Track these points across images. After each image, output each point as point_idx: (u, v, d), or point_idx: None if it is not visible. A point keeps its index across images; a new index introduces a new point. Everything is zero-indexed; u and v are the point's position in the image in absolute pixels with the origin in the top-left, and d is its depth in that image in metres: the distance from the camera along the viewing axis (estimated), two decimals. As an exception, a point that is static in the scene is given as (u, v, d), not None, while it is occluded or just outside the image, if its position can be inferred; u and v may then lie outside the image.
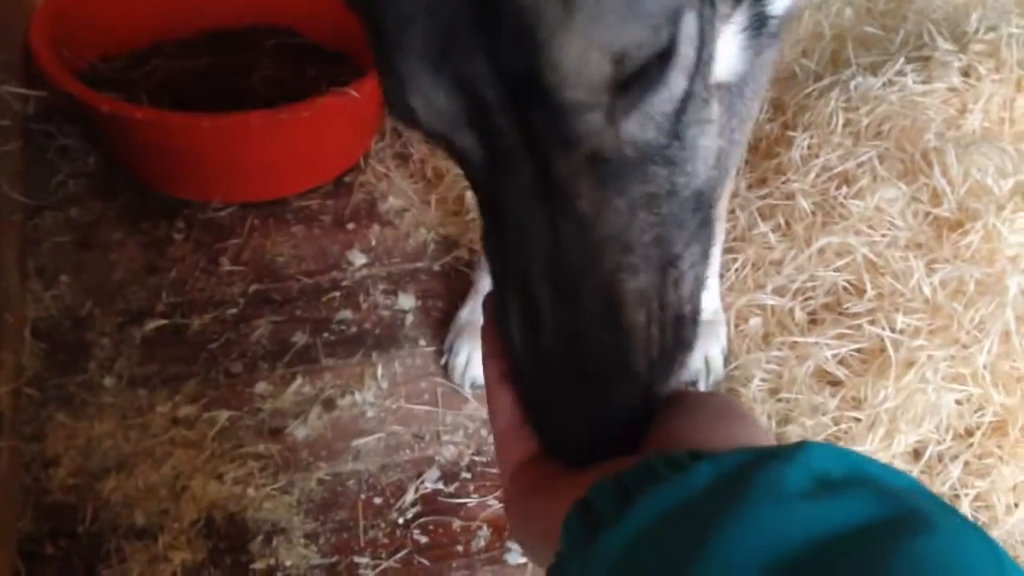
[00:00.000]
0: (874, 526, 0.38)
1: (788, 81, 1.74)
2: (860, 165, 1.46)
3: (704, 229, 0.64)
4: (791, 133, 1.57)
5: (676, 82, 0.56)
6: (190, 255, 1.54)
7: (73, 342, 1.41)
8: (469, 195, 1.65)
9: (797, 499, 0.40)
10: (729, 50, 0.70)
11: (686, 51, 0.56)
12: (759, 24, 0.76)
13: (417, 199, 1.65)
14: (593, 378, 0.58)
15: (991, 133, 1.52)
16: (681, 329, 0.61)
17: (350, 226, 1.61)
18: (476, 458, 1.29)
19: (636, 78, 0.53)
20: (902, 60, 1.64)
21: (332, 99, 1.51)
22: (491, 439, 1.29)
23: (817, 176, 1.48)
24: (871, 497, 0.40)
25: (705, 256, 0.64)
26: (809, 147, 1.53)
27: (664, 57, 0.54)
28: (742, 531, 0.39)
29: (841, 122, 1.55)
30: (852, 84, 1.62)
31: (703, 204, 0.63)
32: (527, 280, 0.58)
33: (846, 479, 0.41)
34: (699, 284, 0.64)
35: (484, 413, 1.33)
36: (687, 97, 0.58)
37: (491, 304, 0.65)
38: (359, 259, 1.55)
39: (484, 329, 0.66)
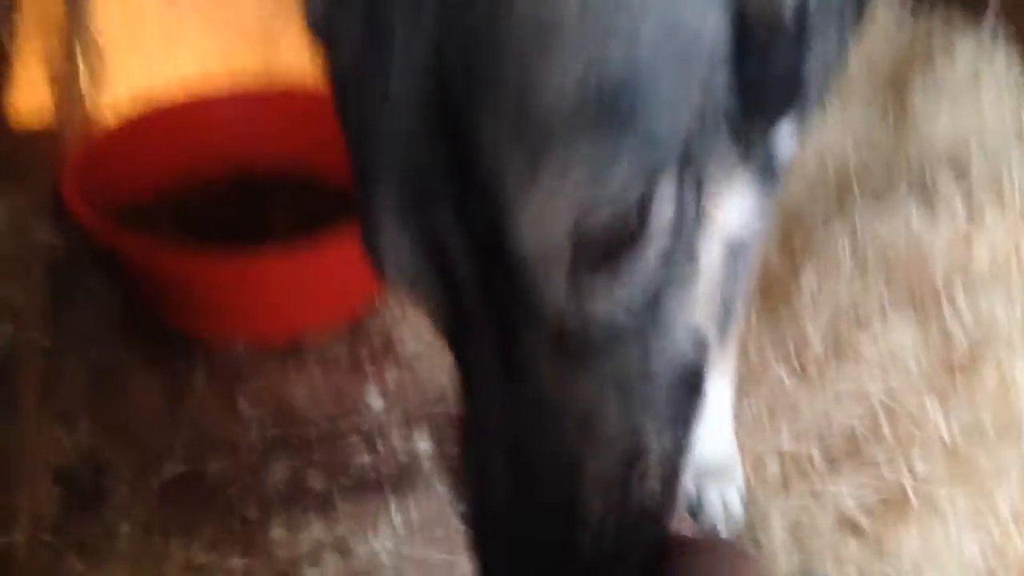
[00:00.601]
0: None
1: (794, 218, 1.77)
2: (870, 302, 1.48)
3: (684, 411, 0.62)
4: (798, 270, 1.59)
5: (648, 262, 0.55)
6: (209, 398, 1.56)
7: (91, 488, 1.41)
8: (485, 335, 1.66)
9: None
10: (744, 205, 0.68)
11: (659, 232, 0.55)
12: (771, 174, 0.73)
13: (434, 342, 1.67)
14: (536, 559, 0.58)
15: (998, 269, 1.54)
16: (644, 523, 0.60)
17: (368, 368, 1.63)
18: (494, 608, 1.27)
19: (602, 256, 0.53)
20: (906, 195, 1.68)
21: (352, 239, 1.54)
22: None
23: (827, 313, 1.49)
24: None
25: (684, 443, 0.62)
26: (817, 281, 1.55)
27: (634, 234, 0.53)
28: None
29: (849, 259, 1.57)
30: (857, 221, 1.65)
31: (685, 383, 0.61)
32: (484, 445, 0.58)
33: None
34: (673, 476, 0.61)
35: (501, 560, 1.32)
36: (663, 277, 0.57)
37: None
38: (376, 402, 1.56)
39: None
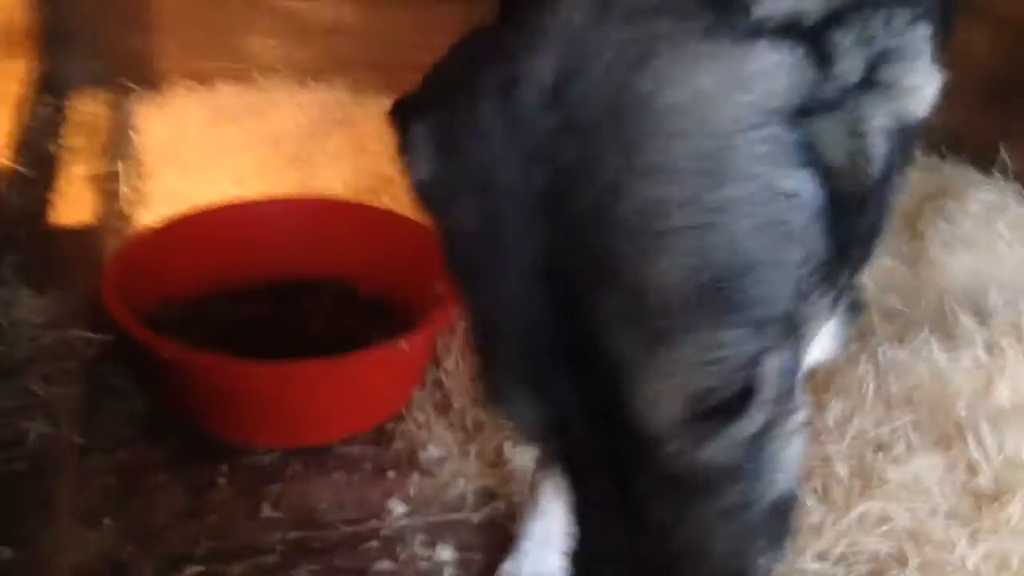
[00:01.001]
0: None
1: (817, 348, 1.81)
2: (894, 431, 1.50)
3: (778, 538, 0.66)
4: (823, 398, 1.61)
5: (756, 414, 0.60)
6: (231, 500, 1.56)
7: (112, 588, 1.40)
8: (508, 446, 1.68)
9: None
10: (830, 347, 0.75)
11: (767, 388, 0.60)
12: (850, 315, 0.79)
13: (457, 449, 1.68)
14: None
15: (1021, 404, 1.56)
16: None
17: (390, 474, 1.63)
18: None
19: (713, 414, 0.58)
20: (927, 331, 1.71)
21: (385, 351, 1.58)
22: None
23: (852, 441, 1.51)
24: None
25: (779, 561, 0.66)
26: (842, 412, 1.57)
27: (743, 396, 0.58)
28: None
29: (872, 389, 1.60)
30: (879, 352, 1.68)
31: (781, 511, 0.65)
32: None
33: None
34: None
35: (523, 676, 1.31)
36: (769, 423, 0.61)
37: None
38: (399, 508, 1.56)
39: None
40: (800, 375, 0.67)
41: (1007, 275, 2.02)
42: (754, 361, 0.57)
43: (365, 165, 2.58)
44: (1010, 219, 2.20)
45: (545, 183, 0.56)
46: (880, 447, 1.48)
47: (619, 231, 0.55)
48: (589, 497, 0.62)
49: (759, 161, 0.57)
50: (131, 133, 2.61)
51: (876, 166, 0.62)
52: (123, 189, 2.36)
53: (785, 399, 0.62)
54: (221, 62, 2.93)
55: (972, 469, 1.42)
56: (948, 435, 1.47)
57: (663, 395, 0.55)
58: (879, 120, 0.61)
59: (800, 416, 0.66)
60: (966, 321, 1.73)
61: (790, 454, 0.65)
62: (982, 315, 1.77)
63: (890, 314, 1.85)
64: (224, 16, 2.91)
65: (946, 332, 1.72)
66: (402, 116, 0.69)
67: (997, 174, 2.31)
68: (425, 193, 0.67)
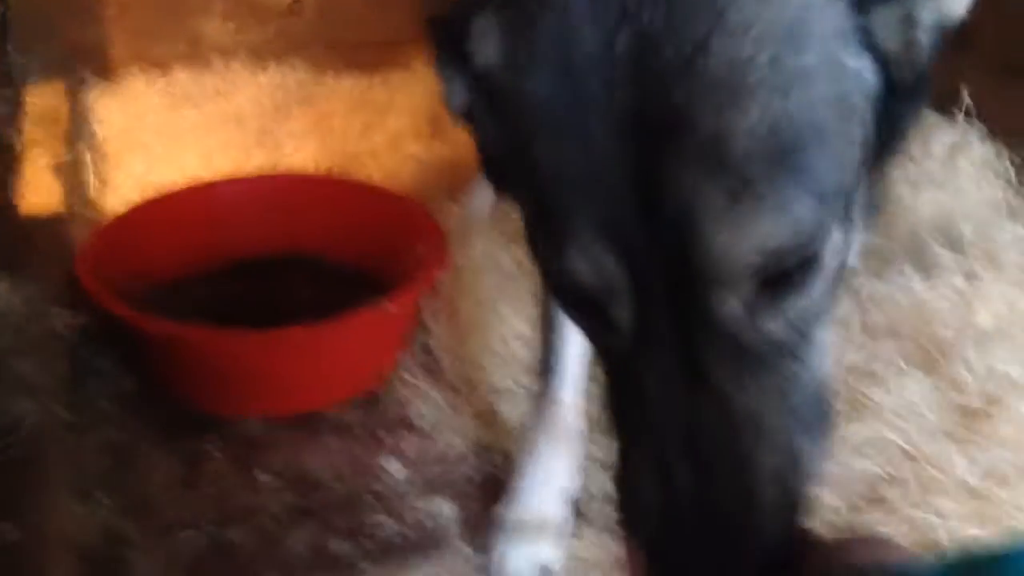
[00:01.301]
0: None
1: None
2: (881, 359, 1.52)
3: (824, 422, 0.67)
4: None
5: (817, 288, 0.62)
6: (226, 469, 1.55)
7: (110, 559, 1.39)
8: (500, 404, 1.68)
9: None
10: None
11: (830, 261, 0.61)
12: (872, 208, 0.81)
13: (448, 408, 1.68)
14: (724, 549, 0.62)
15: (1001, 326, 1.59)
16: (797, 512, 0.65)
17: (383, 436, 1.63)
18: (528, 664, 1.26)
19: (781, 280, 0.60)
20: (905, 265, 1.74)
21: (370, 314, 1.58)
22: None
23: (842, 373, 1.52)
24: None
25: (821, 453, 0.67)
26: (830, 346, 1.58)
27: (809, 264, 0.60)
28: None
29: (856, 323, 1.62)
30: (861, 288, 1.70)
31: (822, 399, 0.67)
32: (664, 452, 0.63)
33: None
34: (813, 476, 0.66)
35: (532, 617, 1.31)
36: (822, 302, 0.63)
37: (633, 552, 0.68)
38: (394, 467, 1.56)
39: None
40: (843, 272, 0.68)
41: (974, 209, 2.05)
42: (824, 232, 0.60)
43: (332, 143, 2.57)
44: (973, 157, 2.23)
45: (629, 45, 0.58)
46: (868, 375, 1.50)
47: (706, 85, 0.57)
48: (655, 362, 0.62)
49: (831, 37, 0.60)
50: (92, 122, 2.58)
51: (924, 57, 0.65)
52: (88, 177, 2.32)
53: (835, 282, 0.64)
54: (177, 47, 2.90)
55: (959, 388, 1.44)
56: (933, 358, 1.50)
57: (739, 246, 0.57)
58: (927, 15, 0.64)
59: (837, 308, 0.68)
60: (941, 252, 1.76)
61: (830, 341, 0.67)
62: (956, 246, 1.80)
63: (867, 251, 1.87)
64: (178, 1, 2.89)
65: (923, 264, 1.75)
66: (451, 21, 0.71)
67: (959, 116, 2.34)
68: (493, 75, 0.68)
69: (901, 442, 1.38)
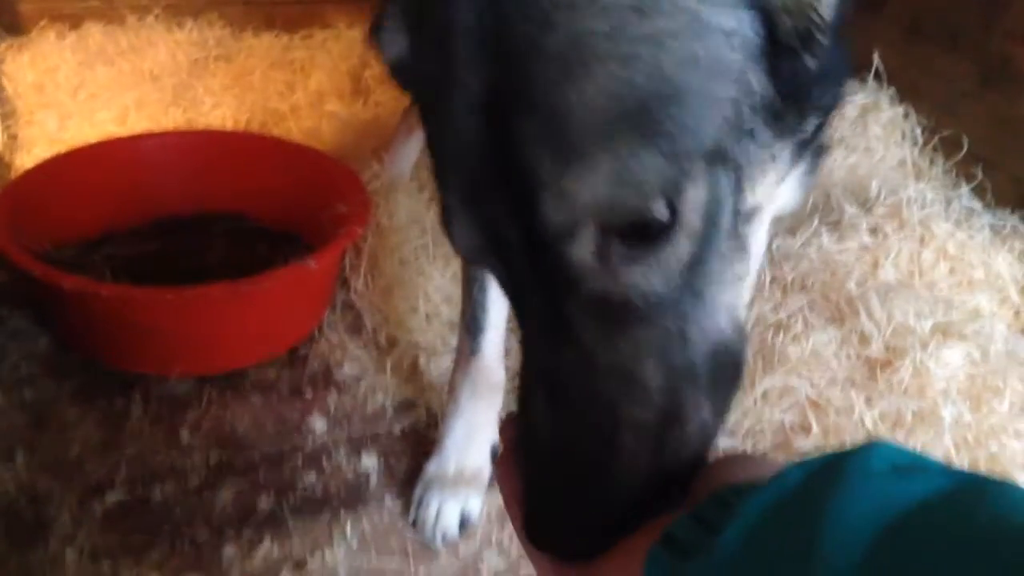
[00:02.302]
0: (960, 489, 0.45)
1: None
2: (791, 315, 1.57)
3: (725, 390, 0.67)
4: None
5: (681, 244, 0.61)
6: (148, 428, 1.54)
7: (31, 518, 1.38)
8: (423, 360, 1.70)
9: (886, 477, 0.46)
10: (785, 191, 0.75)
11: (690, 218, 0.61)
12: (816, 154, 0.79)
13: (372, 366, 1.70)
14: (574, 487, 0.63)
15: (903, 283, 1.66)
16: (672, 480, 0.64)
17: (308, 394, 1.64)
18: (452, 611, 1.29)
19: (632, 235, 0.60)
20: (816, 223, 1.80)
21: (292, 271, 1.57)
22: (466, 591, 1.30)
23: (754, 327, 1.58)
24: (943, 474, 0.47)
25: (718, 422, 0.67)
26: (742, 301, 1.64)
27: (662, 219, 0.60)
28: (851, 501, 0.45)
29: (768, 279, 1.67)
30: (774, 245, 1.75)
31: (726, 360, 0.66)
32: (533, 392, 0.65)
33: (913, 466, 0.48)
34: (704, 444, 0.66)
35: (456, 566, 1.34)
36: (700, 257, 0.62)
37: (508, 421, 0.71)
38: (319, 425, 1.57)
39: (502, 455, 0.72)
40: (754, 225, 0.68)
41: (884, 169, 2.13)
42: (674, 189, 0.59)
43: (252, 100, 2.54)
44: (883, 119, 2.31)
45: (490, 25, 0.60)
46: (779, 328, 1.56)
47: (547, 61, 0.58)
48: (528, 317, 0.65)
49: None
50: (2, 80, 2.50)
51: (822, 11, 0.64)
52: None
53: (717, 236, 0.63)
54: (89, 3, 2.82)
55: (865, 340, 1.50)
56: (841, 312, 1.56)
57: (577, 210, 0.58)
58: None
59: (745, 265, 0.67)
60: (851, 211, 1.82)
61: (730, 300, 0.66)
62: (865, 205, 1.86)
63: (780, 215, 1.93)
64: (90, -46, 2.81)
65: (833, 222, 1.81)
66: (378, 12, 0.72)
67: (871, 81, 2.41)
68: (402, 65, 0.72)
69: (810, 392, 1.43)
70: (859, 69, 2.48)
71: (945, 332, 1.50)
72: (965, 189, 2.07)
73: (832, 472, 0.48)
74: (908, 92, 2.36)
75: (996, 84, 2.12)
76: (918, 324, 1.50)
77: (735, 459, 0.64)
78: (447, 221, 0.66)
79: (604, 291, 0.61)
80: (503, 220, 0.62)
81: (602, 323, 0.62)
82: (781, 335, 1.54)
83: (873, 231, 1.77)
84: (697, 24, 0.60)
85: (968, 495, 0.45)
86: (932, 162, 2.22)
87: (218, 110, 2.48)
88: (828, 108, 0.73)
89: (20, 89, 2.48)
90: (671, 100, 0.59)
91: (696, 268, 0.63)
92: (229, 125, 2.42)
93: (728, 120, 0.62)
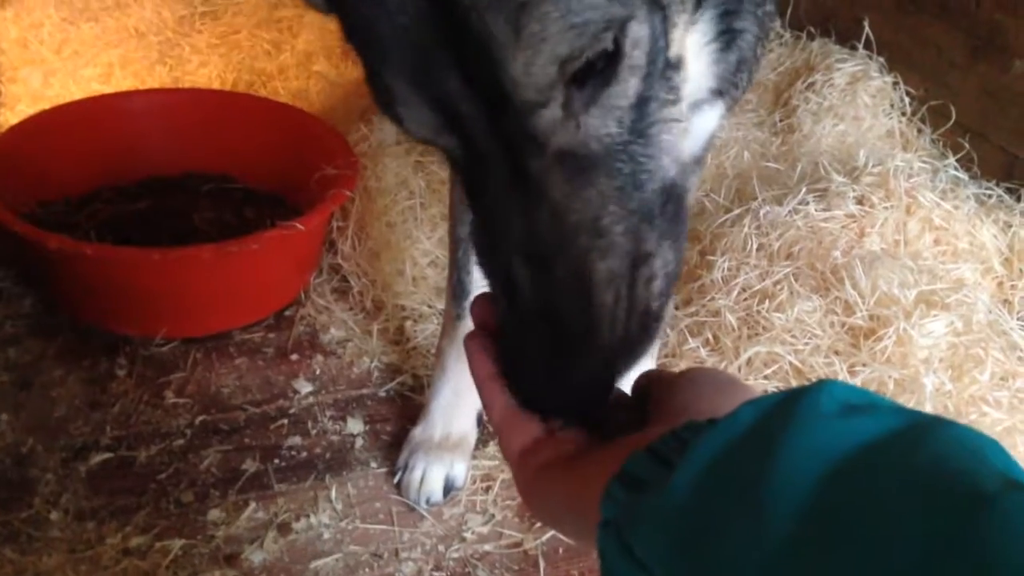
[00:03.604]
0: (906, 429, 0.46)
1: (700, 214, 1.88)
2: (777, 283, 1.58)
3: (676, 226, 0.71)
4: (710, 258, 1.68)
5: (628, 80, 0.64)
6: (133, 390, 1.54)
7: (16, 479, 1.38)
8: (409, 325, 1.70)
9: (835, 418, 0.47)
10: (701, 62, 0.80)
11: (635, 54, 0.64)
12: (727, 41, 0.85)
13: (358, 330, 1.70)
14: (562, 344, 0.65)
15: (888, 252, 1.67)
16: (647, 319, 0.68)
17: (294, 357, 1.64)
18: (436, 573, 1.30)
19: (587, 77, 0.62)
20: (803, 191, 1.80)
21: (279, 233, 1.57)
22: (449, 554, 1.31)
23: (739, 294, 1.58)
24: (892, 413, 0.48)
25: (677, 257, 0.71)
26: (728, 269, 1.64)
27: (612, 59, 0.63)
28: (799, 442, 0.46)
29: (755, 246, 1.67)
30: (761, 213, 1.75)
31: (673, 199, 0.70)
32: (507, 260, 0.66)
33: (865, 404, 0.49)
34: (668, 285, 0.70)
35: (440, 530, 1.35)
36: (645, 97, 0.66)
37: (478, 300, 0.73)
38: (305, 388, 1.58)
39: (470, 334, 0.72)
40: (681, 77, 0.72)
41: (872, 138, 2.13)
42: (619, 25, 0.62)
43: (239, 60, 2.51)
44: (872, 89, 2.30)
45: None
46: (765, 297, 1.56)
47: None
48: (490, 189, 0.66)
49: None
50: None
51: None
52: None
53: (656, 76, 0.67)
54: (74, -43, 2.77)
55: (849, 309, 1.51)
56: (826, 281, 1.56)
57: (535, 62, 0.60)
58: None
59: (679, 107, 0.71)
60: (838, 180, 1.82)
61: (671, 140, 0.69)
62: (852, 174, 1.86)
63: (768, 179, 1.94)
64: (73, -92, 2.75)
65: (820, 191, 1.81)
66: None
67: (861, 50, 2.41)
68: None
69: (794, 360, 1.44)
70: (849, 38, 2.47)
71: (928, 302, 1.51)
72: (952, 160, 2.07)
73: (783, 412, 0.48)
74: (898, 61, 2.35)
75: (985, 54, 2.11)
76: (902, 294, 1.51)
77: (701, 377, 0.65)
78: (389, 103, 0.66)
79: (569, 143, 0.64)
80: (458, 94, 0.62)
81: (568, 176, 0.64)
82: (766, 303, 1.54)
83: (860, 200, 1.77)
84: None
85: (911, 436, 0.45)
86: (920, 132, 2.22)
87: (204, 69, 2.45)
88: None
89: (3, 45, 2.45)
90: None
91: (642, 109, 0.66)
92: (215, 84, 2.39)
93: None
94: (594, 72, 0.62)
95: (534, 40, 0.59)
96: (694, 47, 0.77)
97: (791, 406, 0.48)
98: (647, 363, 1.44)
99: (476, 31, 0.59)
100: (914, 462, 0.43)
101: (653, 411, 0.63)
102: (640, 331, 0.67)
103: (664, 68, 0.68)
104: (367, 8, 0.64)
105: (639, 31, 0.64)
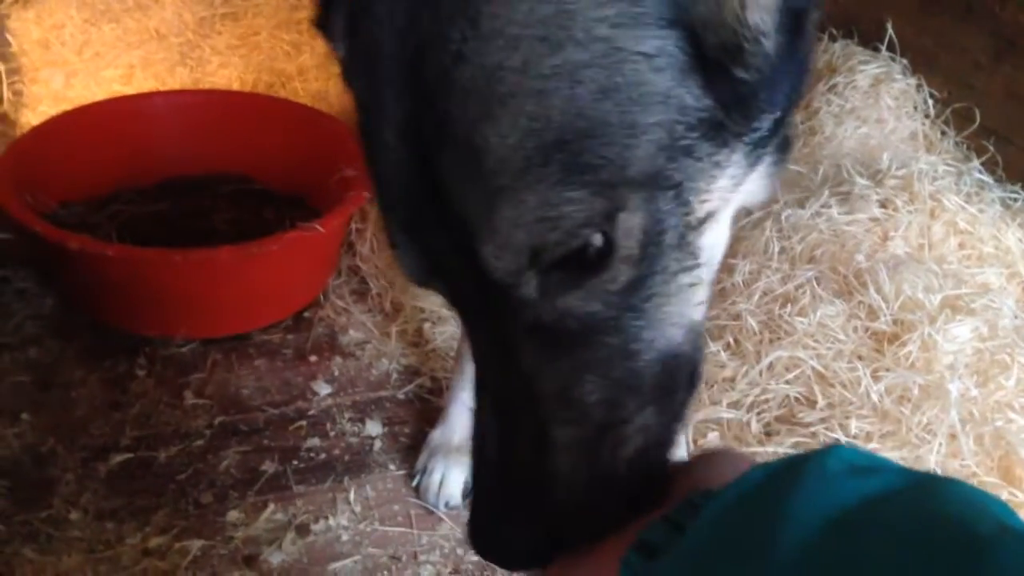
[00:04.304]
0: (909, 486, 0.47)
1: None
2: (799, 287, 1.56)
3: (675, 394, 0.67)
4: (731, 261, 1.67)
5: (618, 268, 0.60)
6: (153, 390, 1.54)
7: (36, 478, 1.38)
8: (427, 326, 1.70)
9: (841, 477, 0.48)
10: (751, 182, 0.71)
11: (626, 244, 0.59)
12: (781, 147, 0.75)
13: (377, 332, 1.69)
14: (513, 501, 0.65)
15: (913, 256, 1.65)
16: (621, 485, 0.65)
17: (313, 358, 1.64)
18: (454, 577, 1.29)
19: (567, 264, 0.59)
20: (826, 194, 1.78)
21: (299, 234, 1.57)
22: (468, 557, 1.31)
23: (761, 298, 1.57)
24: (897, 473, 0.49)
25: (667, 418, 0.67)
26: (750, 272, 1.63)
27: (602, 251, 0.59)
28: (804, 498, 0.47)
29: (777, 249, 1.66)
30: (783, 216, 1.74)
31: (672, 371, 0.66)
32: (482, 407, 0.67)
33: (871, 467, 0.49)
34: (657, 448, 0.66)
35: (459, 533, 1.35)
36: (640, 277, 0.61)
37: None
38: (324, 389, 1.57)
39: None
40: (707, 231, 0.66)
41: (895, 141, 2.12)
42: (605, 219, 0.58)
43: (259, 61, 2.52)
44: (895, 91, 2.28)
45: (409, 52, 0.58)
46: (787, 301, 1.55)
47: (460, 96, 0.56)
48: (475, 339, 0.66)
49: (603, 24, 0.56)
50: (7, 36, 2.48)
51: (756, 16, 0.61)
52: (4, 92, 2.25)
53: (660, 255, 0.62)
54: (96, -41, 2.78)
55: (872, 314, 1.50)
56: (849, 285, 1.55)
57: (506, 247, 0.57)
58: None
59: (698, 272, 0.65)
60: (861, 183, 1.81)
61: (678, 310, 0.65)
62: (875, 177, 1.85)
63: (791, 182, 1.92)
64: (95, -91, 2.76)
65: (843, 194, 1.80)
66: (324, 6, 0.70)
67: (884, 51, 2.39)
68: (343, 71, 0.69)
69: (816, 365, 1.43)
70: (872, 39, 2.46)
71: (954, 307, 1.50)
72: (976, 163, 2.05)
73: (791, 472, 0.49)
74: (921, 63, 2.33)
75: (1009, 56, 2.09)
76: (927, 298, 1.49)
77: (716, 457, 0.66)
78: (393, 244, 0.65)
79: (543, 318, 0.61)
80: (444, 250, 0.61)
81: (543, 347, 0.62)
82: (789, 307, 1.53)
83: (883, 203, 1.76)
84: (614, 52, 0.57)
85: (915, 492, 0.46)
86: (943, 135, 2.20)
87: (224, 70, 2.46)
88: (784, 105, 0.69)
89: (25, 46, 2.46)
90: (591, 133, 0.57)
91: (638, 288, 0.62)
92: (235, 85, 2.40)
93: (660, 143, 0.60)
94: (577, 261, 0.59)
95: (505, 225, 0.56)
96: (750, 184, 0.70)
97: (799, 466, 0.49)
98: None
99: (453, 203, 0.58)
100: (913, 514, 0.44)
101: (670, 491, 0.63)
102: (607, 494, 0.64)
103: (678, 241, 0.63)
104: (372, 141, 0.63)
105: (631, 220, 0.59)
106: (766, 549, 0.46)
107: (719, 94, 0.61)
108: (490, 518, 0.67)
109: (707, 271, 0.67)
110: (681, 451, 1.42)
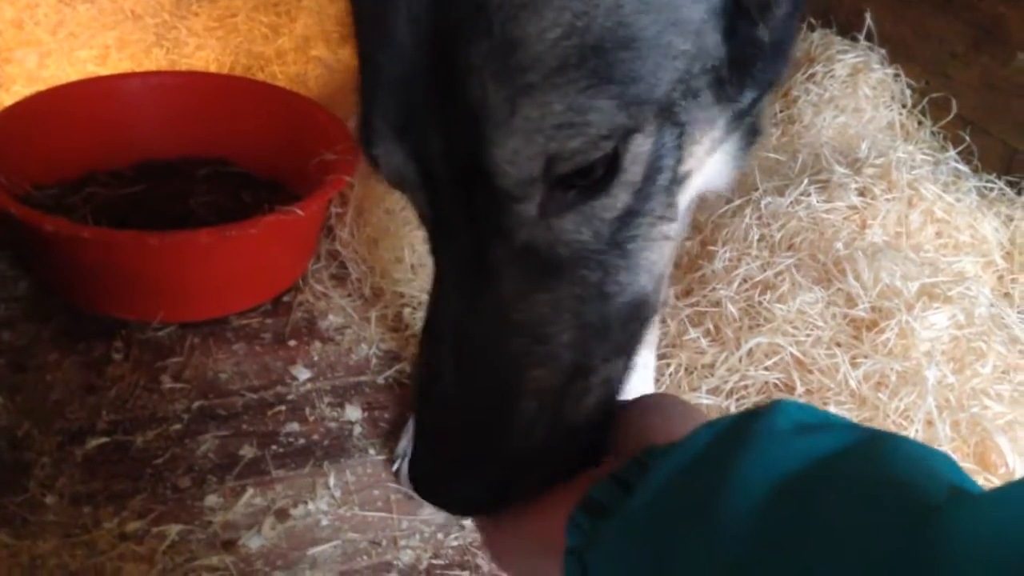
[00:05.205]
0: (856, 445, 0.47)
1: (701, 204, 1.87)
2: (778, 274, 1.57)
3: (631, 344, 0.66)
4: (711, 248, 1.68)
5: (618, 195, 0.60)
6: (130, 374, 1.53)
7: (11, 462, 1.36)
8: (408, 312, 1.69)
9: (789, 436, 0.48)
10: (719, 160, 0.74)
11: (632, 169, 0.60)
12: (749, 133, 0.78)
13: (356, 316, 1.69)
14: (466, 444, 0.62)
15: (890, 244, 1.66)
16: (576, 435, 0.64)
17: (292, 343, 1.63)
18: (434, 561, 1.29)
19: (573, 181, 0.58)
20: (805, 182, 1.79)
21: (278, 217, 1.55)
22: (448, 542, 1.31)
23: (740, 285, 1.58)
24: (845, 430, 0.49)
25: (623, 374, 0.67)
26: (730, 259, 1.63)
27: (607, 170, 0.59)
28: (752, 461, 0.47)
29: (756, 237, 1.67)
30: (763, 203, 1.75)
31: (636, 318, 0.66)
32: (438, 339, 0.63)
33: (819, 424, 0.49)
34: (611, 398, 0.66)
35: (440, 518, 1.34)
36: (632, 211, 0.61)
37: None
38: (303, 374, 1.56)
39: None
40: (683, 190, 0.67)
41: (873, 130, 2.13)
42: (621, 135, 0.58)
43: (237, 43, 2.49)
44: (873, 80, 2.29)
45: None
46: (766, 288, 1.55)
47: None
48: (446, 259, 0.63)
49: None
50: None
51: None
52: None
53: (653, 193, 0.63)
54: (69, -62, 2.74)
55: (851, 301, 1.50)
56: (828, 273, 1.56)
57: (523, 150, 0.56)
58: None
59: (672, 227, 0.66)
60: (840, 171, 1.82)
61: (653, 258, 0.65)
62: (854, 166, 1.86)
63: (770, 170, 1.93)
64: None
65: (822, 182, 1.80)
66: None
67: (863, 41, 2.40)
68: None
69: (795, 351, 1.44)
70: (850, 29, 2.47)
71: (931, 295, 1.51)
72: (952, 152, 2.07)
73: (738, 432, 0.49)
74: (899, 53, 2.35)
75: (987, 47, 2.11)
76: (904, 286, 1.50)
77: (657, 405, 0.64)
78: (368, 141, 0.63)
79: (535, 241, 0.60)
80: (437, 154, 0.59)
81: (525, 274, 0.60)
82: (768, 294, 1.53)
83: (861, 192, 1.76)
84: None
85: (861, 451, 0.46)
86: (920, 124, 2.22)
87: (201, 52, 2.44)
88: (767, 84, 0.72)
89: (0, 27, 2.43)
90: (628, 45, 0.57)
91: (627, 223, 0.62)
92: (212, 68, 2.38)
93: (682, 75, 0.61)
94: (583, 179, 0.58)
95: (528, 126, 0.55)
96: (717, 163, 0.73)
97: (746, 426, 0.49)
98: (649, 354, 1.43)
99: (472, 99, 0.55)
100: (862, 476, 0.44)
101: (613, 442, 0.62)
102: (561, 445, 0.63)
103: (667, 185, 0.63)
104: (377, 31, 0.60)
105: (642, 145, 0.59)
106: (715, 516, 0.45)
107: (733, 47, 0.63)
108: (439, 462, 0.63)
109: (676, 230, 0.67)
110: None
